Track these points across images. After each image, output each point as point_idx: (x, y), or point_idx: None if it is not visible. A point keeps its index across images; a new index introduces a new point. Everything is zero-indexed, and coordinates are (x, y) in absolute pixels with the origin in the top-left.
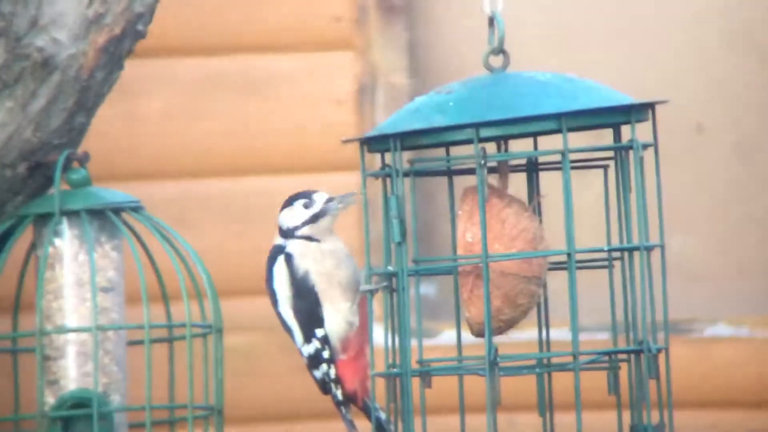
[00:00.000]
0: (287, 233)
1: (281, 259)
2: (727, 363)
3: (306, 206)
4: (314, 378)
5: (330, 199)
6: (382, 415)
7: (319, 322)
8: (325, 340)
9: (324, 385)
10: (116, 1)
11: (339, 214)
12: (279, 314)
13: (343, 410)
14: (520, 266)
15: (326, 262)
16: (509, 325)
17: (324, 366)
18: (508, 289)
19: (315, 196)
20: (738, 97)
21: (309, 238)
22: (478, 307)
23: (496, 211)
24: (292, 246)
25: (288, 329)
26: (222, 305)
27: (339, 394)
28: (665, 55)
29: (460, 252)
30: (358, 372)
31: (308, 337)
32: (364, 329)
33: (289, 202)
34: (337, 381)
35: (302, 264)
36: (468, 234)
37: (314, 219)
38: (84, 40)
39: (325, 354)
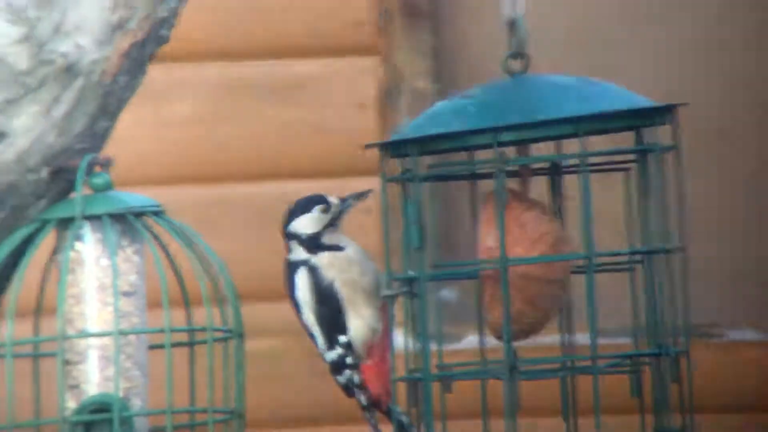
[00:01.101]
0: (309, 241)
1: (304, 269)
2: (751, 367)
3: (324, 211)
4: (338, 383)
5: (344, 200)
6: (404, 419)
7: (343, 329)
8: (348, 347)
9: (348, 390)
10: (141, 5)
11: (350, 210)
12: (303, 322)
13: (368, 415)
14: (542, 270)
15: (352, 270)
16: (534, 328)
17: (347, 372)
18: (529, 293)
19: (329, 199)
20: (761, 100)
21: (334, 248)
22: (499, 310)
23: (516, 215)
24: (318, 259)
25: (311, 335)
26: (244, 310)
27: (363, 399)
28: (688, 57)
29: (482, 257)
30: (382, 377)
31: (331, 344)
32: (386, 334)
33: (305, 208)
34: (361, 386)
35: (328, 274)
36: (489, 239)
37: (333, 222)
38: (108, 46)
39: (349, 360)
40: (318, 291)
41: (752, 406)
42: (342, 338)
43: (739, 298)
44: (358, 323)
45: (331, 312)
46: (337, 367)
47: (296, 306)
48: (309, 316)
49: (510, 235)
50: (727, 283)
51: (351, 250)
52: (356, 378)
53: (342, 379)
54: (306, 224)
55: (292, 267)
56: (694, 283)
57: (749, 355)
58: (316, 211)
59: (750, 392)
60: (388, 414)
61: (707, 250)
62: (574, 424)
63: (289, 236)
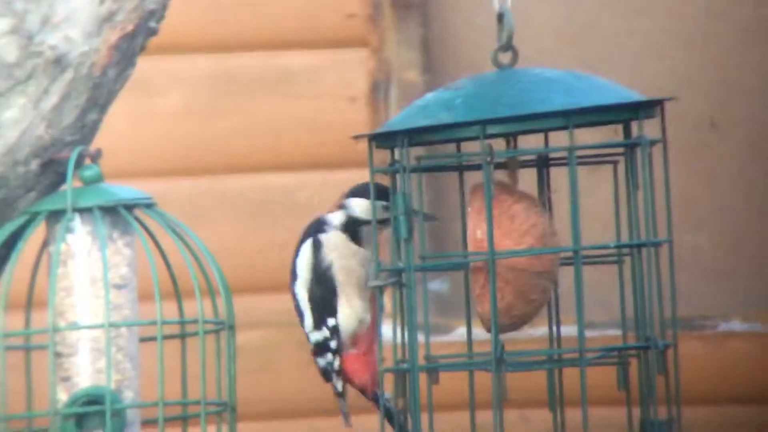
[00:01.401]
0: (350, 220)
1: (309, 242)
2: (740, 359)
3: (386, 208)
4: (317, 365)
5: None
6: (391, 405)
7: (332, 312)
8: (334, 331)
9: (326, 374)
10: None
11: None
12: (294, 294)
13: (341, 403)
14: (531, 262)
15: (352, 261)
16: (523, 320)
17: (329, 355)
18: (519, 285)
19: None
20: (751, 92)
21: (355, 239)
22: (489, 303)
23: (505, 207)
24: (329, 236)
25: (299, 312)
26: (235, 302)
27: (339, 385)
28: (678, 50)
29: (470, 249)
30: (367, 366)
31: (318, 324)
32: (374, 326)
33: (369, 195)
34: (339, 372)
35: (329, 255)
36: (478, 231)
37: (384, 222)
38: (97, 38)
39: (332, 344)
40: (316, 270)
41: (741, 397)
42: (330, 321)
43: (727, 289)
44: (348, 311)
45: (324, 293)
46: (320, 349)
47: (292, 274)
48: (302, 292)
49: (499, 228)
50: (716, 274)
51: (361, 248)
52: (336, 363)
53: (322, 362)
54: (363, 208)
55: (309, 227)
56: (683, 275)
57: (738, 346)
58: (379, 207)
59: (739, 384)
60: (374, 400)
61: (696, 242)
62: (561, 416)
63: (344, 204)
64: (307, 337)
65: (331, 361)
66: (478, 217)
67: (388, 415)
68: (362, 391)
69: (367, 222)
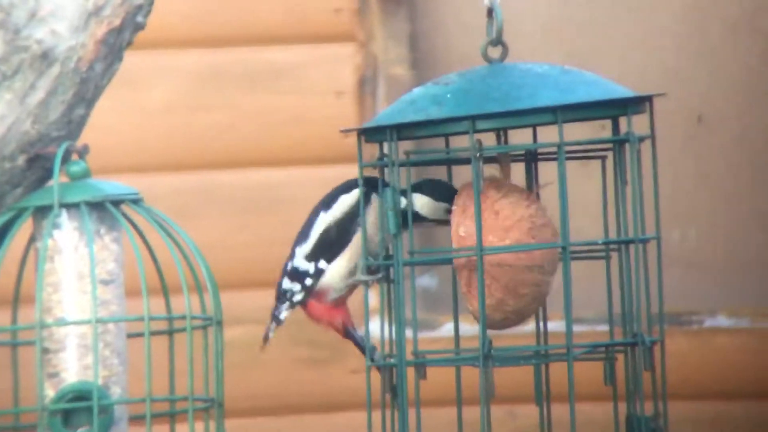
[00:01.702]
0: (410, 213)
1: (364, 193)
2: (728, 354)
3: (447, 212)
4: (279, 285)
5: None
6: (363, 341)
7: (329, 259)
8: (318, 274)
9: (280, 297)
10: None
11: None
12: (316, 216)
13: (273, 325)
14: (517, 256)
15: (375, 235)
16: (519, 316)
17: (297, 286)
18: (507, 280)
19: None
20: (739, 87)
21: (404, 225)
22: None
23: (490, 203)
24: (376, 199)
25: (304, 234)
26: (223, 298)
27: (284, 314)
28: (666, 44)
29: (455, 246)
30: (333, 310)
31: (311, 257)
32: (345, 308)
33: (443, 196)
34: (292, 305)
35: (371, 213)
36: (461, 228)
37: (427, 221)
38: (83, 32)
39: (308, 281)
40: (350, 214)
41: (727, 393)
42: (322, 263)
43: (717, 285)
44: (341, 267)
45: (337, 238)
46: (295, 275)
47: (329, 201)
48: (321, 223)
49: (482, 224)
50: (705, 270)
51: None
52: (297, 297)
53: (288, 285)
54: (424, 205)
55: (376, 180)
56: (671, 271)
57: (724, 342)
58: (443, 205)
59: (725, 379)
60: (346, 336)
61: (683, 237)
62: (548, 411)
63: (412, 191)
64: (292, 254)
65: (295, 291)
66: (462, 215)
67: (363, 351)
68: (331, 329)
69: (426, 220)
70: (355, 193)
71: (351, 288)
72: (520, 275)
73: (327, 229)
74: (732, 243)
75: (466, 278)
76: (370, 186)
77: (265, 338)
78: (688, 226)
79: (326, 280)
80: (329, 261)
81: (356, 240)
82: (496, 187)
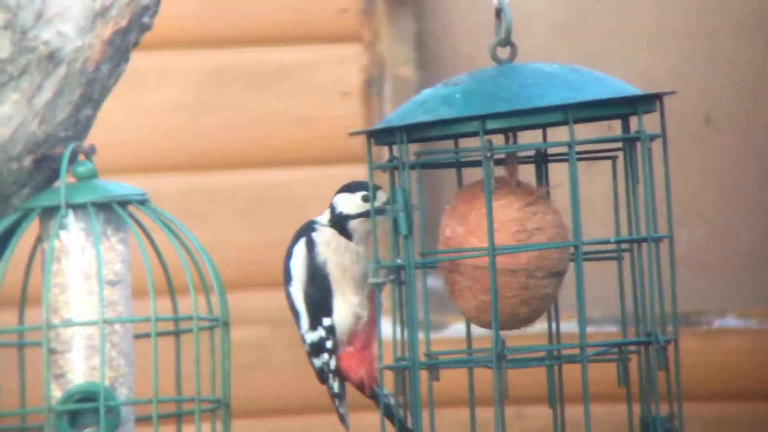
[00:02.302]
0: (339, 218)
1: (303, 242)
2: (736, 355)
3: (365, 199)
4: (313, 366)
5: (392, 202)
6: (392, 401)
7: (328, 312)
8: (330, 330)
9: (321, 375)
10: None
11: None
12: (288, 294)
13: (337, 403)
14: (500, 259)
15: (345, 256)
16: (511, 318)
17: (325, 356)
18: (488, 283)
19: (379, 194)
20: (745, 87)
21: (344, 233)
22: (467, 300)
23: (480, 205)
24: (320, 234)
25: (295, 312)
26: (229, 299)
27: (336, 386)
28: (673, 45)
29: (441, 247)
30: (364, 362)
31: (314, 324)
32: (372, 322)
33: (351, 188)
34: (336, 373)
35: (322, 252)
36: (447, 229)
37: (368, 214)
38: (90, 33)
39: (329, 344)
40: (311, 268)
41: (736, 394)
42: (326, 321)
43: (726, 286)
44: (344, 309)
45: (319, 292)
46: (316, 349)
47: (286, 275)
48: (297, 291)
49: (466, 225)
50: (714, 270)
51: (353, 243)
52: (332, 363)
53: (318, 362)
54: (344, 202)
55: (301, 230)
56: (680, 271)
57: (733, 342)
58: (358, 196)
59: (737, 380)
60: (372, 397)
61: (691, 237)
62: (561, 413)
63: (330, 205)
64: (303, 338)
65: (327, 361)
66: (450, 216)
67: (388, 412)
68: (360, 387)
69: (352, 217)
70: (300, 243)
71: (367, 303)
72: (502, 278)
73: (306, 295)
74: (739, 243)
75: (449, 280)
76: (310, 230)
77: (342, 419)
78: (696, 226)
79: (341, 328)
80: (330, 314)
81: (335, 275)
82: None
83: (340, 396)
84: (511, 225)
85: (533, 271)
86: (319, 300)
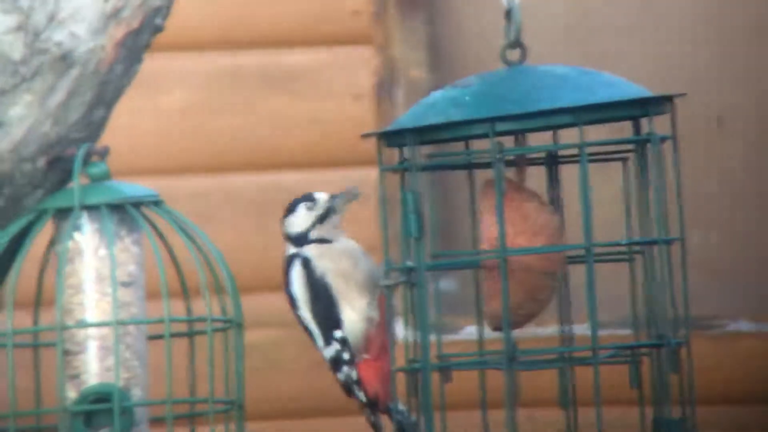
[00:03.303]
0: (298, 239)
1: (298, 262)
2: (750, 359)
3: (309, 208)
4: (338, 380)
5: (333, 197)
6: (403, 418)
7: (337, 324)
8: (344, 342)
9: (348, 388)
10: None
11: (345, 209)
12: (299, 317)
13: (368, 412)
14: (542, 263)
15: (343, 261)
16: (527, 319)
17: (345, 368)
18: (529, 285)
19: (317, 196)
20: (758, 89)
21: (322, 241)
22: (498, 301)
23: (516, 206)
24: (308, 250)
25: (309, 332)
26: (243, 301)
27: (363, 396)
28: (685, 47)
29: (485, 246)
30: (380, 374)
31: (328, 340)
32: (384, 327)
33: (291, 208)
34: (360, 383)
35: (320, 265)
36: (495, 228)
37: (321, 219)
38: (102, 34)
39: (345, 356)
40: (311, 284)
41: (749, 398)
42: (337, 333)
43: (738, 289)
44: (353, 316)
45: (324, 306)
46: (336, 363)
47: (292, 301)
48: (305, 312)
49: (513, 226)
50: (726, 274)
51: (339, 243)
52: (354, 375)
53: (341, 376)
54: (293, 223)
55: (287, 261)
56: (693, 274)
57: (748, 346)
58: (302, 209)
59: (747, 384)
60: (387, 413)
61: (706, 240)
62: (574, 415)
63: (284, 236)
64: (322, 356)
65: (348, 373)
66: (493, 215)
67: (400, 429)
68: (373, 401)
69: (310, 228)
70: (296, 266)
71: (377, 304)
72: (541, 281)
73: (313, 314)
74: (752, 246)
75: (492, 279)
76: (295, 256)
77: (375, 427)
78: (708, 229)
79: (354, 337)
80: (340, 326)
81: (337, 285)
82: (516, 189)
83: (370, 405)
84: (547, 228)
85: (558, 274)
86: (327, 314)
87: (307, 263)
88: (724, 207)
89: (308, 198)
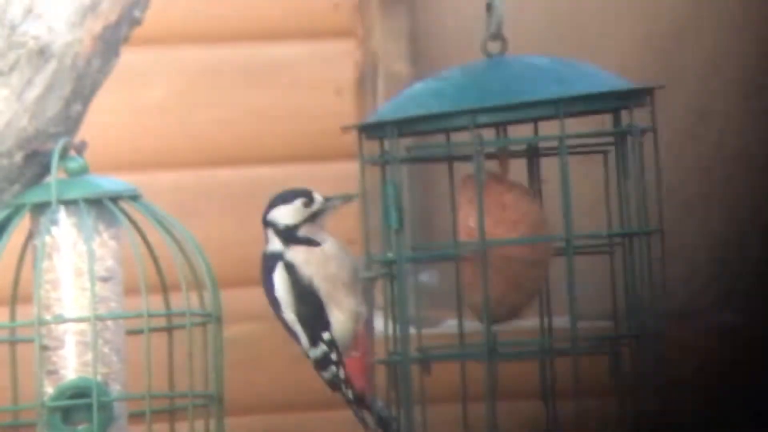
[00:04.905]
0: (286, 232)
1: (281, 267)
2: (729, 350)
3: (306, 205)
4: (323, 378)
5: (328, 199)
6: (384, 413)
7: (326, 326)
8: (331, 344)
9: (334, 386)
10: None
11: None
12: (281, 319)
13: (356, 409)
14: (524, 251)
15: (330, 265)
16: (515, 310)
17: (333, 368)
18: (511, 275)
19: (315, 195)
20: (739, 82)
21: (309, 242)
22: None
23: (496, 196)
24: (293, 253)
25: (293, 333)
26: (222, 295)
27: (350, 393)
28: (666, 40)
29: (462, 238)
30: (366, 370)
31: (314, 341)
32: (369, 321)
33: (286, 199)
34: (347, 381)
35: (307, 272)
36: (470, 220)
37: (313, 217)
38: (80, 28)
39: (333, 356)
40: (298, 290)
41: (730, 389)
42: (325, 335)
43: (717, 280)
44: (341, 317)
45: (312, 310)
46: (322, 364)
47: (274, 304)
48: (289, 315)
49: (490, 217)
50: (706, 265)
51: (327, 245)
52: (341, 373)
53: (327, 375)
54: (285, 214)
55: (268, 261)
56: (673, 265)
57: (728, 337)
58: (298, 203)
59: (728, 375)
60: (369, 408)
61: (686, 232)
62: (554, 407)
63: (267, 224)
64: (306, 355)
65: (335, 372)
66: (470, 207)
67: (380, 423)
68: (360, 397)
69: (300, 225)
70: (279, 270)
71: (366, 300)
72: (524, 270)
73: (299, 316)
74: (733, 238)
75: (471, 271)
76: (276, 258)
77: (363, 423)
78: (690, 221)
79: (342, 338)
80: (328, 328)
81: (325, 289)
82: (497, 181)
83: (357, 401)
84: (529, 217)
85: (545, 263)
86: (314, 317)
87: (291, 269)
88: (705, 199)
89: (306, 194)
